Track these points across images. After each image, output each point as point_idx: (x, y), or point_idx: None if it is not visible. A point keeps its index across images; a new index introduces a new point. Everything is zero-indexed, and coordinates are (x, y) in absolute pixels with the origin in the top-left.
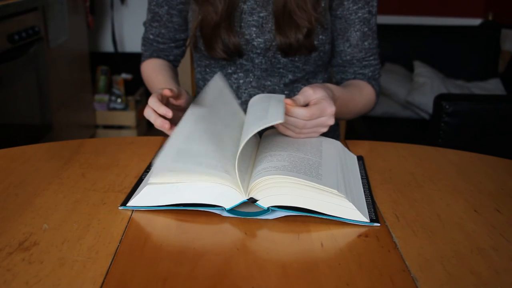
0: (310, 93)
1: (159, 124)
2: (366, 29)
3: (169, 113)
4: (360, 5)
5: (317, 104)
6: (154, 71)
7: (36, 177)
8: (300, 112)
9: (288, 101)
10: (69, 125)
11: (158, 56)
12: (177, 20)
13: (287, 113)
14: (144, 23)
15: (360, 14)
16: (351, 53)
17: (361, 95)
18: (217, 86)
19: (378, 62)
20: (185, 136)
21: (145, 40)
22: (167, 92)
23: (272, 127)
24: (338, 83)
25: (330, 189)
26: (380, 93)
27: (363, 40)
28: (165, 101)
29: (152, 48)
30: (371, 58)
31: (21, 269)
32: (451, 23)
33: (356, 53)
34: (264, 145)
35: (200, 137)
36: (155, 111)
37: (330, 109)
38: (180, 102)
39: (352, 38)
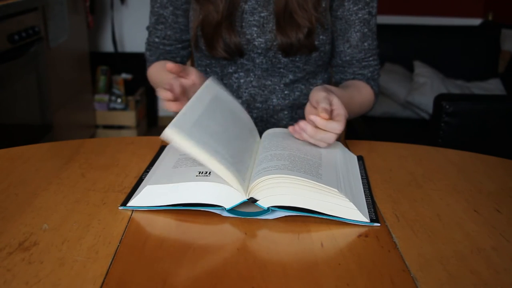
0: (321, 96)
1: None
2: (366, 30)
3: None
4: (360, 6)
5: (340, 115)
6: (162, 70)
7: (36, 177)
8: (337, 126)
9: (325, 115)
10: (69, 125)
11: (165, 59)
12: (182, 21)
13: (322, 128)
14: (148, 27)
15: (360, 15)
16: (351, 54)
17: (360, 95)
18: (211, 91)
19: (378, 62)
20: (200, 112)
21: (150, 45)
22: (170, 66)
23: (275, 125)
24: (337, 83)
25: (330, 188)
26: (379, 93)
27: (363, 41)
28: (178, 91)
29: (158, 51)
30: (371, 58)
31: (21, 269)
32: (451, 23)
33: (356, 53)
34: (264, 145)
35: (213, 124)
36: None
37: (345, 112)
38: (191, 78)
39: (352, 38)
